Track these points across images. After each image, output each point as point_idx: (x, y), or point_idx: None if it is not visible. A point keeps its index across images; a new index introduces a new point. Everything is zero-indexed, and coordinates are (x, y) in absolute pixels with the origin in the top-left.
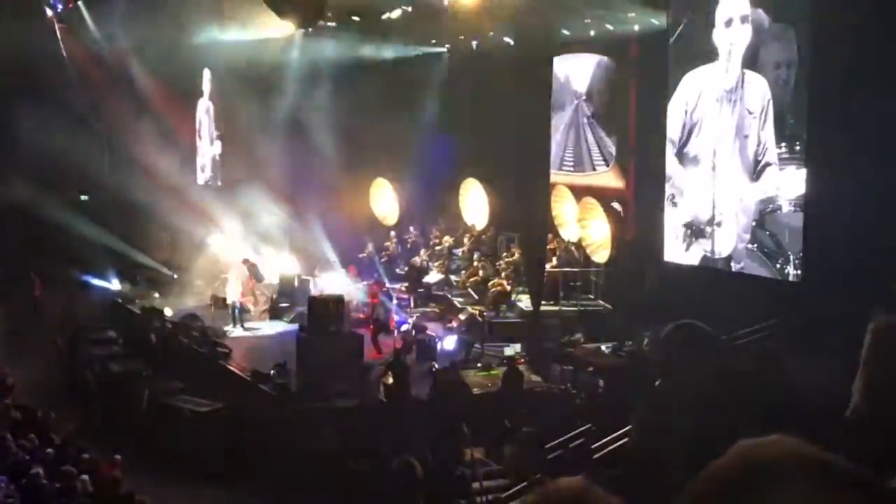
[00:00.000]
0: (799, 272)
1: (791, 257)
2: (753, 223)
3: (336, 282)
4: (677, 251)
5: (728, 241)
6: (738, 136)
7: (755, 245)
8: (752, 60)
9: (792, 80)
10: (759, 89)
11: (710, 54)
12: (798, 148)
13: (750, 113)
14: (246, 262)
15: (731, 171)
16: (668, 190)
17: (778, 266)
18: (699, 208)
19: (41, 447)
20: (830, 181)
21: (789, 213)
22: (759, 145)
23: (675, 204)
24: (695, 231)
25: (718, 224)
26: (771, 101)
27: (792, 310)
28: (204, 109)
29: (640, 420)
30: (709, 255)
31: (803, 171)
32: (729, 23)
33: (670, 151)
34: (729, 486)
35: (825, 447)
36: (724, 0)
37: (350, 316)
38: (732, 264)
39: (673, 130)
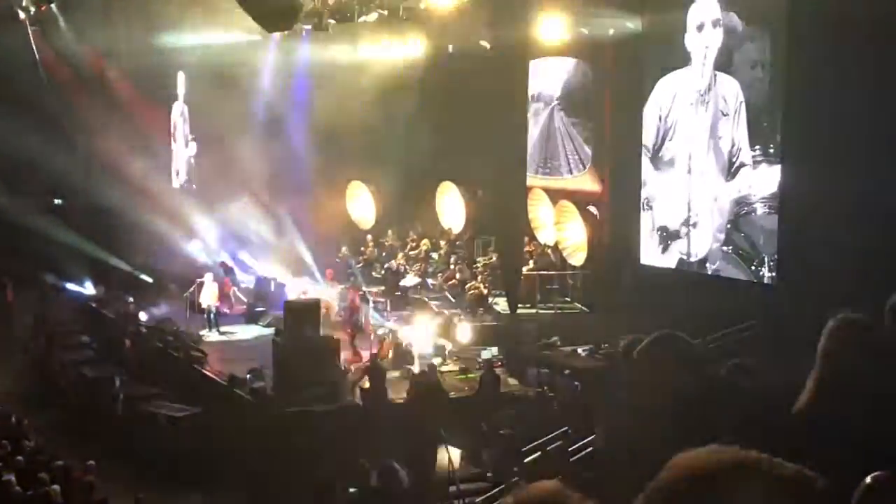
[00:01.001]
0: (773, 274)
1: (766, 259)
2: (728, 225)
3: (312, 286)
4: (653, 253)
5: (703, 242)
6: (712, 137)
7: (730, 247)
8: (725, 63)
9: (766, 81)
10: (731, 90)
11: (684, 58)
12: (772, 150)
13: (724, 115)
14: (223, 265)
15: (705, 173)
16: (644, 193)
17: (753, 268)
18: (674, 210)
19: (13, 453)
20: (804, 182)
21: (763, 214)
22: (732, 146)
23: (650, 207)
24: (670, 233)
25: (693, 225)
26: (744, 103)
27: (767, 312)
28: (179, 112)
29: (606, 425)
30: (684, 257)
31: (776, 172)
32: (701, 27)
33: (645, 156)
34: (674, 500)
35: (795, 447)
36: (696, 5)
37: (329, 319)
38: (708, 265)
39: (647, 135)
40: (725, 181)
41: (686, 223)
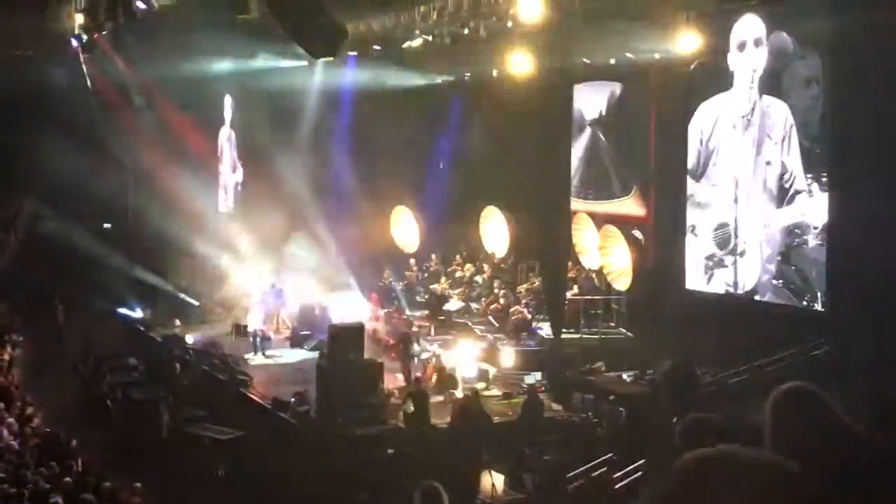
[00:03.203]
0: (825, 310)
1: (819, 294)
2: (779, 257)
3: (357, 309)
4: (698, 282)
5: (751, 273)
6: (759, 162)
7: (780, 281)
8: (772, 85)
9: (819, 100)
10: (780, 114)
11: (729, 81)
12: (825, 177)
13: (770, 138)
14: (274, 287)
15: (752, 199)
16: (689, 221)
17: (805, 303)
18: (720, 239)
19: (61, 475)
20: (855, 210)
21: (816, 247)
22: (784, 172)
23: (695, 234)
24: (716, 263)
25: (741, 254)
26: (794, 127)
27: (815, 338)
28: (226, 137)
29: (656, 457)
30: (730, 287)
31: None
32: (742, 46)
33: (688, 182)
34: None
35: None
36: (739, 23)
37: (376, 343)
38: (756, 297)
39: (690, 160)
40: (777, 208)
41: (733, 252)
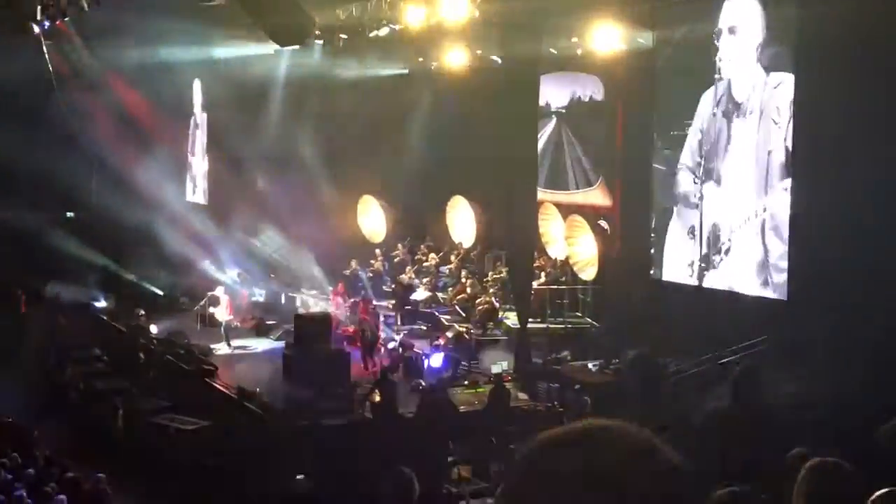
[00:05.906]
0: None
1: (787, 287)
2: (760, 249)
3: (323, 299)
4: (685, 281)
5: (738, 268)
6: (746, 156)
7: (761, 277)
8: (754, 76)
9: (786, 89)
10: (757, 104)
11: (698, 72)
12: (792, 169)
13: (757, 132)
14: (241, 275)
15: (739, 193)
16: (679, 219)
17: (774, 295)
18: (710, 238)
19: (24, 465)
20: (818, 200)
21: (784, 237)
22: (768, 164)
23: (692, 235)
24: (706, 263)
25: (727, 252)
26: (773, 120)
27: (780, 327)
28: (194, 125)
29: None
30: (720, 287)
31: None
32: (733, 30)
33: (686, 178)
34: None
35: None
36: (729, 4)
37: (338, 332)
38: (721, 288)
39: (683, 156)
40: (758, 198)
41: (719, 251)
